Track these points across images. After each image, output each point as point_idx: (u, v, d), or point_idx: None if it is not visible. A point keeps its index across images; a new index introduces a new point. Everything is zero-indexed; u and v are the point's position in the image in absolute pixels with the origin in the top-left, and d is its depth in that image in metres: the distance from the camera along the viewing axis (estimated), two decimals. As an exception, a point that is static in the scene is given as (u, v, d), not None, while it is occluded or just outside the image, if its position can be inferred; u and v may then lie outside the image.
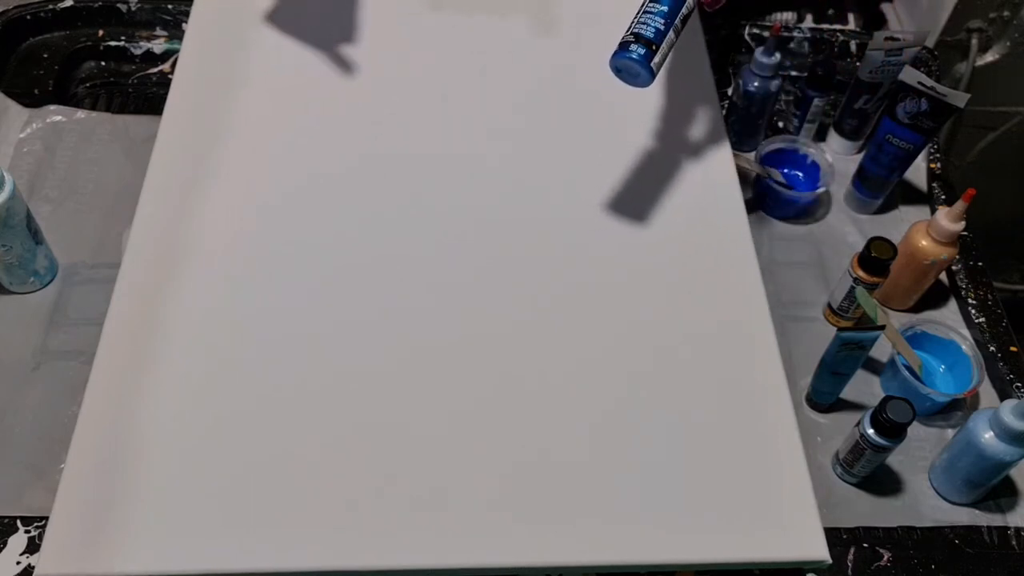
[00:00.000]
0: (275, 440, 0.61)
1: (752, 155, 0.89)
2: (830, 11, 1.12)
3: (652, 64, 0.64)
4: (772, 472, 0.62)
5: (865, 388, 0.78)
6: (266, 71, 0.82)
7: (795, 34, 1.02)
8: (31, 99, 0.92)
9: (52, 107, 0.91)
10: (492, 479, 0.60)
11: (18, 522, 0.65)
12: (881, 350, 0.76)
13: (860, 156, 0.92)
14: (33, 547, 0.64)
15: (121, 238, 0.81)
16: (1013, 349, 0.80)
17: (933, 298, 0.84)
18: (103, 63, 0.98)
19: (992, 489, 0.71)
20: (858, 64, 0.89)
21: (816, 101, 0.90)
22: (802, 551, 0.58)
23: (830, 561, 0.58)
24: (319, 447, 0.61)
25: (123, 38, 0.98)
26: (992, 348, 0.80)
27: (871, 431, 0.67)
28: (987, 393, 0.78)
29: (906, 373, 0.74)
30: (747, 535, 0.59)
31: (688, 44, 0.87)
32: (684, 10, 0.66)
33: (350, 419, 0.62)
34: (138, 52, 0.98)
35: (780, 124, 0.96)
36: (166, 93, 0.80)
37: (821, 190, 0.85)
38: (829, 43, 1.02)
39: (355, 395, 0.63)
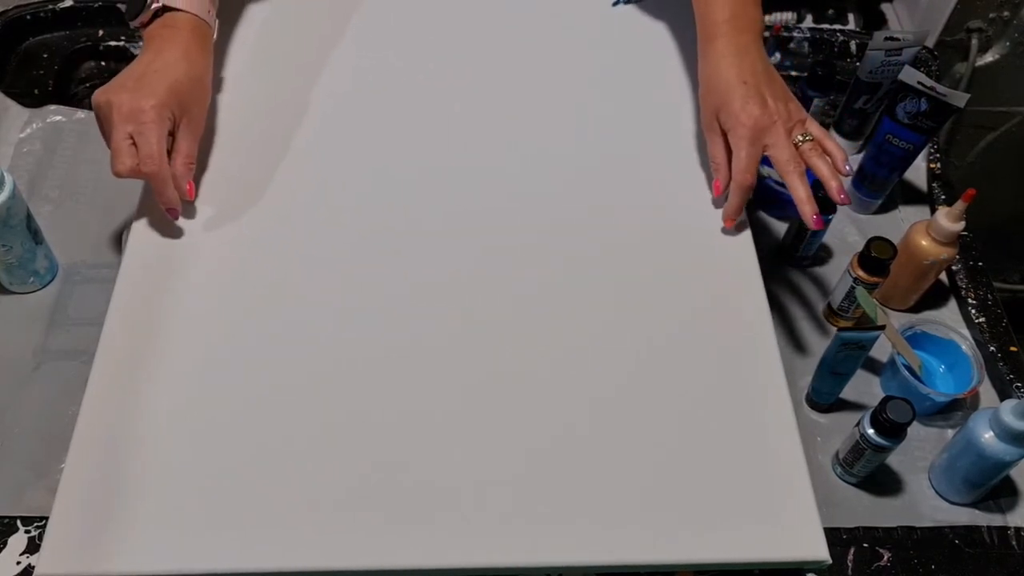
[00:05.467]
0: (275, 440, 0.61)
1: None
2: (830, 11, 1.12)
3: None
4: (772, 472, 0.61)
5: (865, 388, 0.78)
6: (266, 72, 0.82)
7: (795, 34, 1.02)
8: (31, 99, 0.92)
9: (52, 107, 0.91)
10: (492, 479, 0.60)
11: (18, 522, 0.65)
12: (881, 350, 0.76)
13: (860, 156, 0.92)
14: (33, 547, 0.64)
15: (121, 238, 0.81)
16: (1013, 349, 0.80)
17: (933, 298, 0.84)
18: (103, 63, 0.98)
19: (992, 489, 0.71)
20: (858, 64, 0.89)
21: (816, 101, 0.90)
22: (802, 551, 0.58)
23: (830, 561, 0.58)
24: (319, 447, 0.61)
25: (123, 38, 0.98)
26: (992, 348, 0.80)
27: (871, 431, 0.67)
28: (987, 393, 0.78)
29: (906, 373, 0.74)
30: (747, 535, 0.59)
31: (688, 44, 0.87)
32: None
33: (349, 419, 0.62)
34: (138, 52, 0.98)
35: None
36: (166, 93, 0.79)
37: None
38: (829, 43, 1.02)
39: (356, 395, 0.63)
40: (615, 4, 0.89)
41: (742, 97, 0.70)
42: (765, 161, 0.88)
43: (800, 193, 0.69)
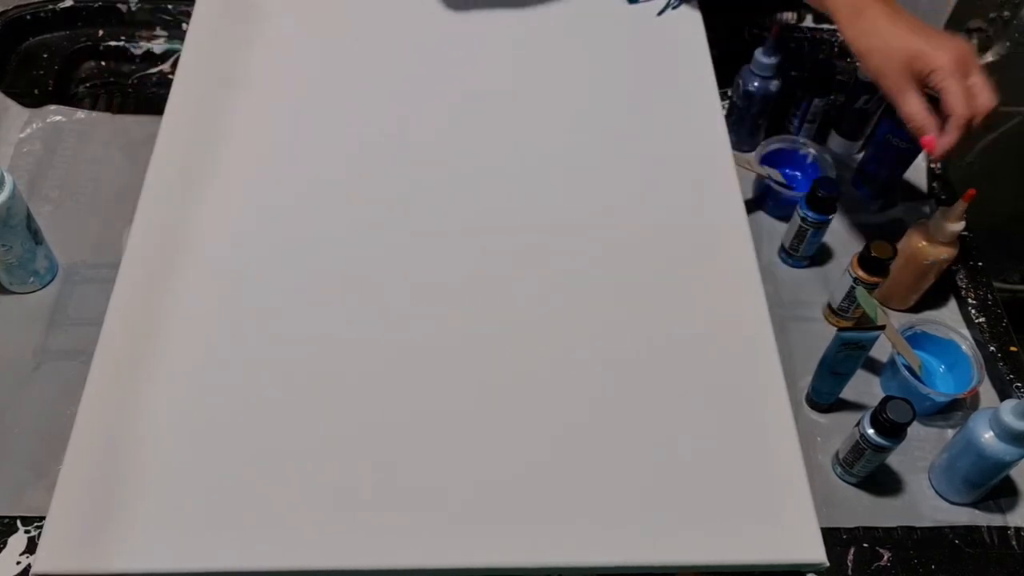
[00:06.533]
0: (274, 440, 0.61)
1: (752, 155, 0.89)
2: (830, 11, 1.12)
3: None
4: (770, 474, 0.61)
5: (865, 388, 0.78)
6: (267, 71, 0.82)
7: (795, 34, 1.02)
8: (31, 99, 0.92)
9: (52, 107, 0.91)
10: (492, 479, 0.60)
11: (18, 522, 0.65)
12: (881, 350, 0.76)
13: (860, 156, 0.92)
14: (33, 547, 0.64)
15: (121, 238, 0.81)
16: (1013, 349, 0.80)
17: (933, 298, 0.84)
18: (103, 63, 0.98)
19: (992, 489, 0.71)
20: (858, 64, 0.89)
21: (816, 101, 0.90)
22: (799, 553, 0.58)
23: (827, 564, 0.58)
24: (318, 447, 0.61)
25: (123, 38, 0.98)
26: (992, 348, 0.80)
27: (871, 431, 0.67)
28: (987, 393, 0.78)
29: (906, 373, 0.74)
30: (744, 537, 0.59)
31: (689, 44, 0.87)
32: None
33: (350, 419, 0.62)
34: (138, 52, 0.98)
35: (781, 124, 0.96)
36: (166, 93, 0.79)
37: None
38: (829, 43, 1.02)
39: (355, 395, 0.63)
40: (632, 1, 0.89)
41: (933, 44, 0.69)
42: (766, 161, 0.88)
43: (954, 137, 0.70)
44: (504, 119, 0.80)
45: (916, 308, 0.84)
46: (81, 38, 0.98)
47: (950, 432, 0.75)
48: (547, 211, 0.74)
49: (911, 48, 0.69)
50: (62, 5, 0.98)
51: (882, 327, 0.70)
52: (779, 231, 0.87)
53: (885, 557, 0.69)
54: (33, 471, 0.68)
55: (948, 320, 0.82)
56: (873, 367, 0.79)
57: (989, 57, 1.12)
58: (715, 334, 0.68)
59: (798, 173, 0.91)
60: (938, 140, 0.70)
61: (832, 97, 0.92)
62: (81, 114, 0.91)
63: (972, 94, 0.69)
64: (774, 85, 0.88)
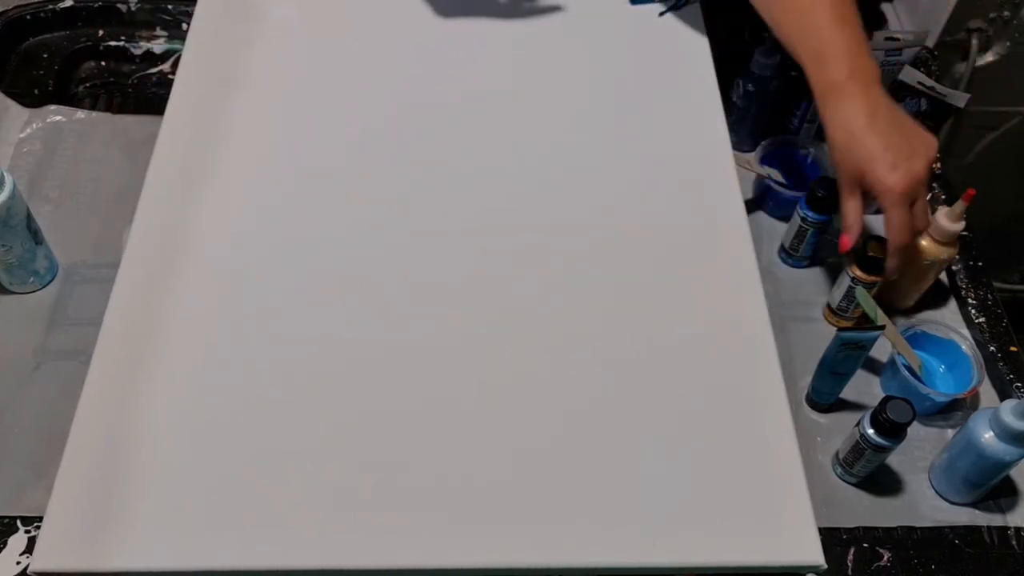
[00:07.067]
0: (273, 439, 0.61)
1: (752, 155, 0.89)
2: (830, 11, 1.11)
3: None
4: (769, 475, 0.61)
5: (865, 388, 0.78)
6: (267, 71, 0.82)
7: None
8: (31, 99, 0.92)
9: (52, 107, 0.91)
10: (492, 479, 0.60)
11: (18, 522, 0.65)
12: (881, 350, 0.76)
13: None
14: (33, 547, 0.64)
15: (121, 238, 0.81)
16: (1013, 349, 0.80)
17: (933, 298, 0.84)
18: (103, 63, 0.99)
19: (992, 489, 0.71)
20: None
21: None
22: (797, 556, 0.58)
23: (825, 566, 0.58)
24: (318, 446, 0.61)
25: (123, 38, 0.98)
26: (992, 348, 0.80)
27: (871, 431, 0.67)
28: (987, 393, 0.78)
29: (906, 373, 0.74)
30: (742, 539, 0.59)
31: (690, 44, 0.87)
32: None
33: (349, 419, 0.62)
34: (138, 52, 0.98)
35: (781, 124, 0.96)
36: (166, 93, 0.79)
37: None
38: (829, 43, 1.02)
39: (355, 395, 0.63)
40: (634, 3, 0.89)
41: (890, 164, 0.68)
42: (766, 161, 0.88)
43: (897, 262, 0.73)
44: (504, 119, 0.80)
45: (916, 308, 0.84)
46: (81, 38, 0.98)
47: (950, 432, 0.75)
48: (547, 211, 0.74)
49: (870, 164, 0.69)
50: (62, 5, 0.98)
51: (882, 327, 0.70)
52: (779, 231, 0.87)
53: (885, 557, 0.69)
54: (33, 471, 0.68)
55: (948, 320, 0.82)
56: (873, 367, 0.79)
57: (989, 57, 1.12)
58: (715, 334, 0.68)
59: (798, 173, 0.91)
60: (887, 264, 0.73)
61: (832, 97, 0.92)
62: (81, 114, 0.91)
63: (912, 221, 0.70)
64: (774, 85, 0.88)
